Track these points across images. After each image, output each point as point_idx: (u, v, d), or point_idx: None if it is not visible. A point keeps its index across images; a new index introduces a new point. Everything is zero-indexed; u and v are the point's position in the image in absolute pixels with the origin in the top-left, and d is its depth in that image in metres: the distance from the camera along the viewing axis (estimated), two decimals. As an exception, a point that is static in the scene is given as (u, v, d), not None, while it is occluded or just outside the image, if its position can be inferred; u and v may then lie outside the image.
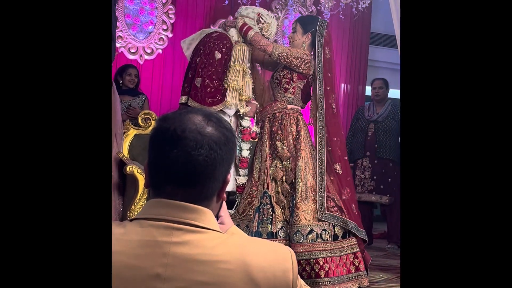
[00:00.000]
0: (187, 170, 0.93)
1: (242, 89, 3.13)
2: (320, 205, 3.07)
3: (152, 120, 3.91)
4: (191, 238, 0.92)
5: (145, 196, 3.43)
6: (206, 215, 0.95)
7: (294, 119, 3.24)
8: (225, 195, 1.01)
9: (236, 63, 3.13)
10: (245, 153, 3.32)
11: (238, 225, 3.11)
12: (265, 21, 3.22)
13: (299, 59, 3.19)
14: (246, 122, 3.34)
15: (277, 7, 5.82)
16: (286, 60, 3.18)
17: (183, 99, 3.15)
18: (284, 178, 3.15)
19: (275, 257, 0.96)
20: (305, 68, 3.21)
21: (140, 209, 3.47)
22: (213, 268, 0.90)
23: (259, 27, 3.20)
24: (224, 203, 1.10)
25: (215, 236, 0.94)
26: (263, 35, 3.22)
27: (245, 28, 3.17)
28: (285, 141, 3.19)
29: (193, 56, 3.20)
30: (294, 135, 3.20)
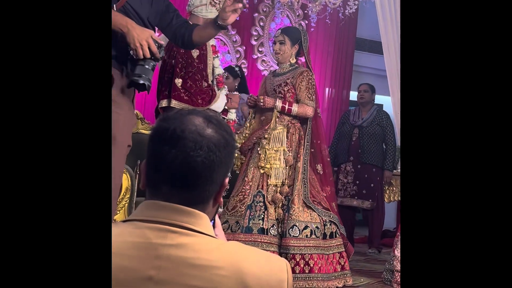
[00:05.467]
0: (185, 171, 0.92)
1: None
2: (305, 197, 3.25)
3: (137, 119, 3.87)
4: (186, 241, 0.91)
5: (128, 196, 3.39)
6: (202, 220, 0.94)
7: (298, 130, 3.44)
8: (221, 200, 1.00)
9: (274, 144, 3.29)
10: None
11: (226, 222, 3.22)
12: (219, 1, 3.16)
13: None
14: (231, 115, 3.35)
15: (264, 9, 5.82)
16: None
17: (164, 103, 3.05)
18: (286, 181, 3.28)
19: (271, 267, 0.94)
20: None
21: (122, 208, 3.44)
22: (207, 273, 0.89)
23: (216, 9, 3.13)
24: (219, 223, 1.09)
25: (210, 241, 0.93)
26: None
27: (286, 108, 3.35)
28: (290, 148, 3.36)
29: (167, 58, 3.09)
30: (297, 144, 3.38)
